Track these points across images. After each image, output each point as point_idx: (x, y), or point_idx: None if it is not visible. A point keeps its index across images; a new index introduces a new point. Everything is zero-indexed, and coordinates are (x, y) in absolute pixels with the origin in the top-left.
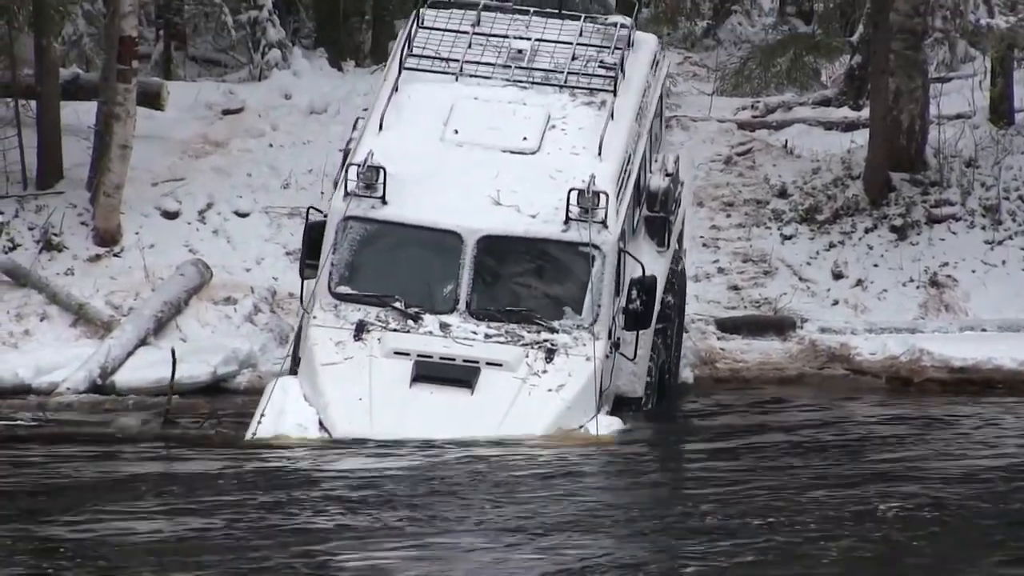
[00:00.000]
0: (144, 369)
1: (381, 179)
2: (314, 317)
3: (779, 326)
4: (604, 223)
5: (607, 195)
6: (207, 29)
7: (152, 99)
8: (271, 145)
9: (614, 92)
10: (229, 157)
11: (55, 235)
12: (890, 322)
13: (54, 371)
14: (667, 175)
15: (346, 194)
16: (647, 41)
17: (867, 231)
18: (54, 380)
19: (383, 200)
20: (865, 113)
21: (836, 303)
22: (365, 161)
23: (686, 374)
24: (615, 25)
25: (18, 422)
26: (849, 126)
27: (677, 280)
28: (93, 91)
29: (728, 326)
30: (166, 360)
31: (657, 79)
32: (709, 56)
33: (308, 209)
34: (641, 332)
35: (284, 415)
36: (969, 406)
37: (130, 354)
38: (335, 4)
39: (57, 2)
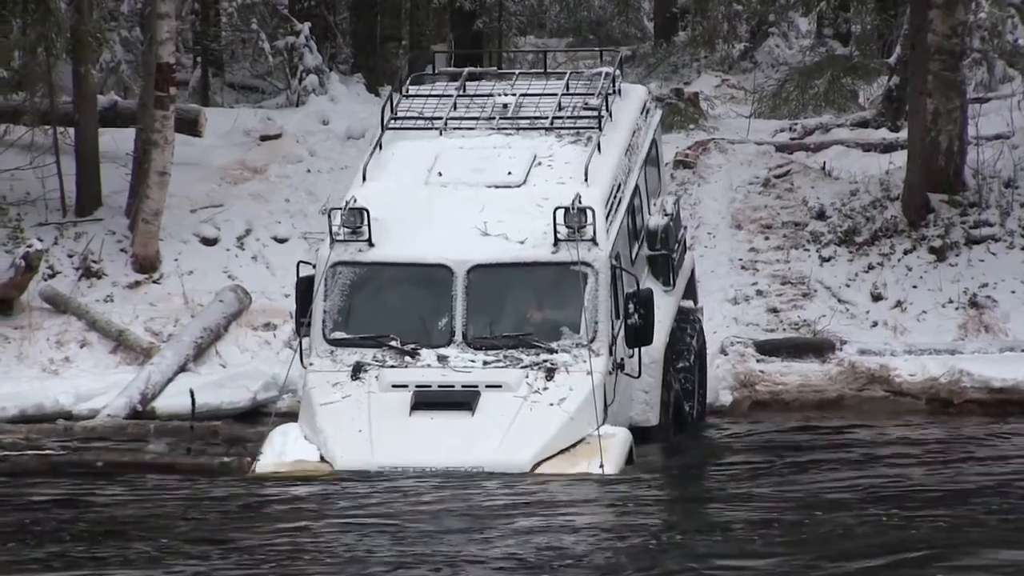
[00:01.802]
0: (184, 395)
1: (366, 222)
2: (311, 364)
3: (818, 348)
4: (594, 240)
5: (593, 211)
6: (244, 56)
7: (190, 126)
8: (309, 171)
9: (599, 128)
10: (267, 183)
11: (94, 262)
12: (929, 343)
13: (94, 397)
14: (666, 215)
15: (332, 241)
16: (636, 89)
17: (906, 252)
18: (94, 407)
19: (369, 243)
20: (903, 134)
21: (875, 325)
22: (347, 205)
23: (725, 397)
24: (601, 75)
25: (47, 451)
26: (887, 147)
27: (693, 322)
28: (131, 118)
29: (767, 348)
30: (206, 386)
31: (648, 124)
32: (747, 78)
33: (299, 263)
34: (645, 350)
35: (284, 455)
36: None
37: (170, 380)
38: (371, 30)
39: (95, 29)
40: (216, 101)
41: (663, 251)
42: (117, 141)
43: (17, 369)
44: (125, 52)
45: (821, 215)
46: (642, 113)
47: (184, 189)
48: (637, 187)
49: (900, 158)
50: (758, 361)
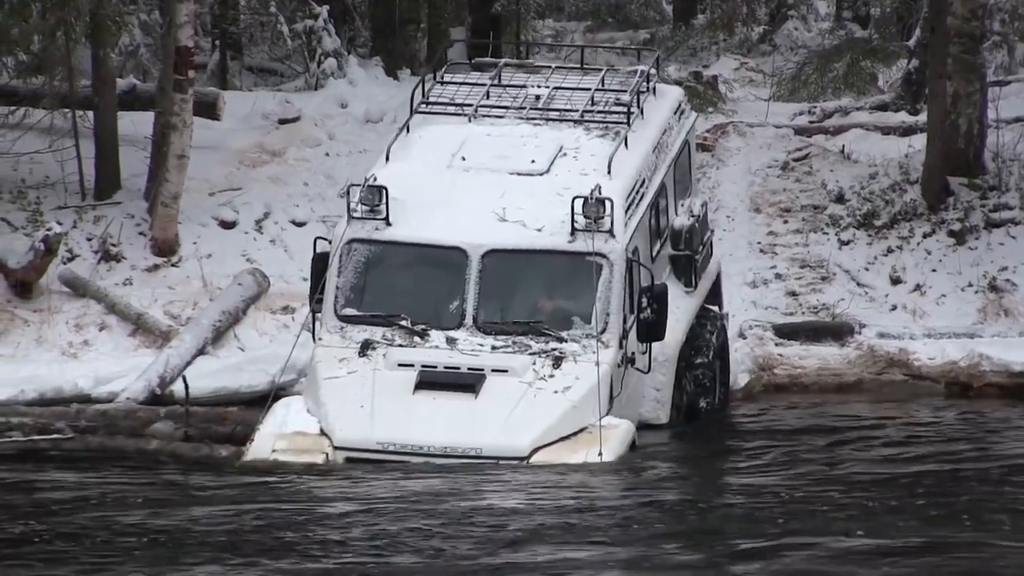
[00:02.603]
0: (203, 378)
1: (384, 200)
2: (320, 339)
3: (837, 332)
4: (611, 232)
5: (612, 202)
6: (263, 39)
7: (208, 109)
8: (327, 154)
9: (628, 123)
10: (286, 166)
11: (113, 245)
12: (949, 327)
13: (113, 381)
14: (692, 216)
15: (349, 218)
16: (671, 90)
17: (925, 236)
18: (113, 390)
19: (387, 221)
20: (923, 118)
21: (894, 308)
22: (366, 182)
23: (741, 380)
24: (636, 72)
25: (54, 436)
26: (907, 131)
27: (714, 320)
28: (150, 101)
29: (786, 332)
30: (226, 369)
31: (681, 126)
32: (765, 61)
33: (315, 240)
34: (659, 347)
35: (285, 426)
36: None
37: (189, 363)
38: (390, 13)
39: (114, 13)
40: (235, 84)
41: (686, 252)
42: (136, 124)
43: (36, 352)
44: (144, 35)
45: (840, 198)
46: (675, 113)
47: (203, 172)
48: (663, 186)
49: (919, 141)
50: (777, 345)
